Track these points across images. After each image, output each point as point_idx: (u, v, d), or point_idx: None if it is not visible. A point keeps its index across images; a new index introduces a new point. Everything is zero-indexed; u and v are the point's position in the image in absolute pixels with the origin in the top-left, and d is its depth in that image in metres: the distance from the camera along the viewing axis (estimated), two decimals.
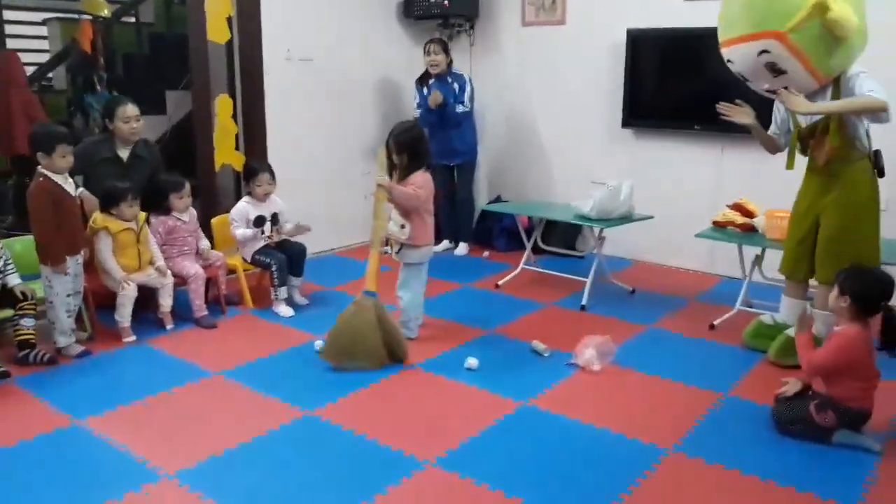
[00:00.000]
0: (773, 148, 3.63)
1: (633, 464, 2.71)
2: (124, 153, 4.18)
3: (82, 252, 3.72)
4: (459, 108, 5.52)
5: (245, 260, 4.46)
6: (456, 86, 5.52)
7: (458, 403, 3.22)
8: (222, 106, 4.96)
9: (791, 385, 2.99)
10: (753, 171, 4.84)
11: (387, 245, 3.91)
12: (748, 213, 4.21)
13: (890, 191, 4.22)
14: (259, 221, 4.40)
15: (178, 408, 3.17)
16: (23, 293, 3.52)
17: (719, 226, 4.28)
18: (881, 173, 3.33)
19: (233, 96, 5.12)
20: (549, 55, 5.79)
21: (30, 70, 6.20)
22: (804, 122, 3.42)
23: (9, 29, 6.48)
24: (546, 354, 3.73)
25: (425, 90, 5.58)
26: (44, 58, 6.68)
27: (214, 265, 4.35)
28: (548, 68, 5.81)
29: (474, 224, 6.05)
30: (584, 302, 4.49)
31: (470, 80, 5.62)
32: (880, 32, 3.39)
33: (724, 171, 5.12)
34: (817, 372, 2.87)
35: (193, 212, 4.34)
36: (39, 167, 3.50)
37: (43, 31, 6.84)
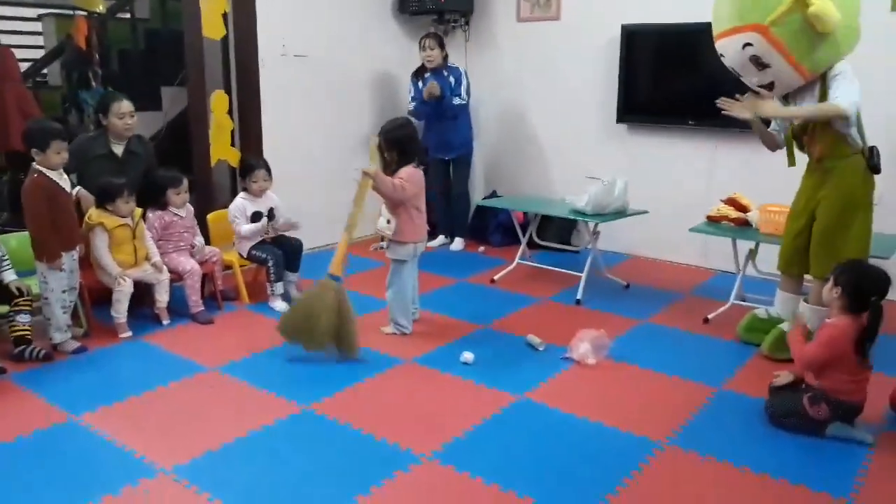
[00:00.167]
0: (773, 144, 3.64)
1: (627, 457, 2.73)
2: (118, 149, 4.17)
3: (78, 248, 3.72)
4: (457, 101, 5.53)
5: (241, 255, 4.46)
6: (452, 79, 5.53)
7: (454, 397, 3.24)
8: (218, 102, 4.96)
9: (783, 377, 3.02)
10: (747, 166, 4.86)
11: (382, 241, 3.92)
12: (742, 208, 4.23)
13: (883, 186, 4.24)
14: (256, 217, 4.41)
15: (174, 403, 3.18)
16: (18, 289, 3.52)
17: (713, 220, 4.30)
18: (875, 170, 3.34)
19: (228, 92, 5.12)
20: (544, 51, 5.80)
21: (24, 66, 6.17)
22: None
23: (3, 24, 6.46)
24: (541, 348, 3.74)
25: (420, 84, 5.59)
26: (38, 53, 6.66)
27: (210, 261, 4.36)
28: (543, 64, 5.82)
29: (470, 219, 6.06)
30: (579, 296, 4.50)
31: (466, 73, 5.63)
32: (868, 31, 3.39)
33: (717, 165, 5.14)
34: (809, 365, 2.89)
35: (190, 208, 4.34)
36: (34, 163, 3.50)
37: (37, 26, 6.81)
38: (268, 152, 5.10)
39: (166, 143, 5.55)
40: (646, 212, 4.73)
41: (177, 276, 4.15)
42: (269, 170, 4.47)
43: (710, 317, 4.17)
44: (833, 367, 2.82)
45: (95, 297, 4.01)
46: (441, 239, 5.91)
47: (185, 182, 4.25)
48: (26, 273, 3.70)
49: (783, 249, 3.65)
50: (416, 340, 3.87)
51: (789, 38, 3.15)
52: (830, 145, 3.31)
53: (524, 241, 5.07)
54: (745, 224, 4.16)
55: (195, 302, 4.16)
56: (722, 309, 4.20)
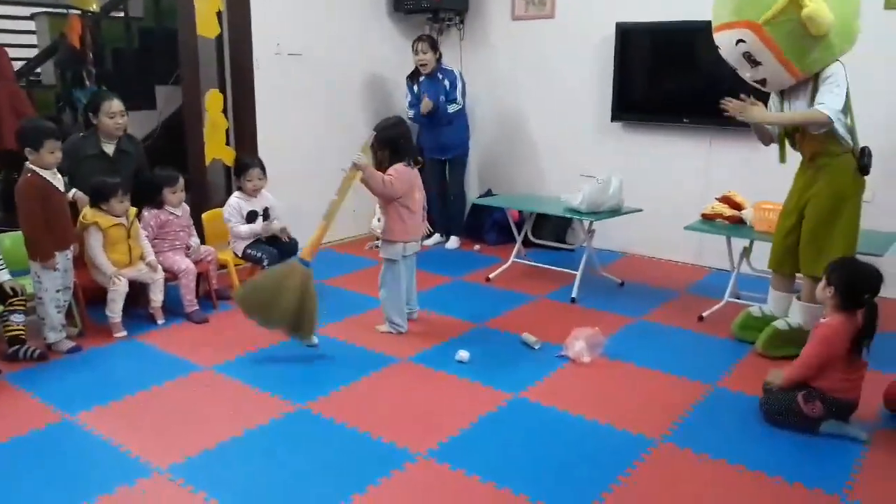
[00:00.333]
0: (767, 139, 3.65)
1: (622, 455, 2.74)
2: (109, 148, 4.16)
3: (72, 247, 3.71)
4: (452, 108, 5.53)
5: (236, 254, 4.46)
6: (447, 83, 5.53)
7: (450, 396, 3.24)
8: (212, 101, 4.94)
9: (775, 375, 3.02)
10: (742, 164, 4.88)
11: (376, 240, 3.92)
12: (736, 206, 4.24)
13: (876, 184, 4.27)
14: (251, 217, 4.41)
15: (169, 402, 3.17)
16: (12, 289, 3.51)
17: (708, 218, 4.31)
18: (864, 170, 3.36)
19: (223, 91, 5.11)
20: (538, 49, 5.80)
21: (18, 65, 6.14)
22: None
23: None
24: (536, 347, 3.75)
25: (415, 88, 5.59)
26: (32, 52, 6.63)
27: (205, 260, 4.35)
28: (537, 62, 5.82)
29: (465, 217, 6.07)
30: (574, 294, 4.51)
31: (461, 76, 5.63)
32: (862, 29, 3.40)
33: (712, 164, 5.15)
34: (807, 367, 2.87)
35: (186, 207, 4.33)
36: (28, 163, 3.49)
37: (31, 25, 6.79)
38: (262, 151, 5.09)
39: (161, 142, 5.53)
40: (640, 210, 4.73)
41: (171, 276, 4.14)
42: (263, 169, 4.47)
43: (704, 315, 4.18)
44: (828, 365, 2.83)
45: (90, 296, 4.00)
46: (436, 237, 5.92)
47: (181, 181, 4.24)
48: (20, 273, 3.69)
49: (774, 248, 3.66)
50: (412, 339, 3.87)
51: (782, 37, 3.16)
52: (821, 144, 3.34)
53: (519, 239, 5.08)
54: (740, 222, 4.18)
55: (190, 301, 4.15)
56: (717, 307, 4.21)
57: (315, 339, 3.66)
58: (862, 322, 2.79)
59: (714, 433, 2.91)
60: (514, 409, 3.11)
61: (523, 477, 2.58)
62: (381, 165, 3.77)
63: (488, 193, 6.12)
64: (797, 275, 3.63)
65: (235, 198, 4.43)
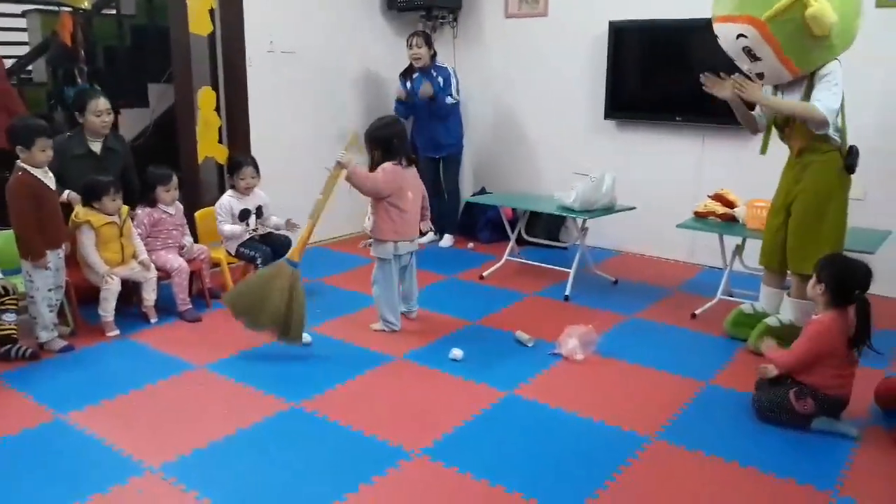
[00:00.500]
0: (753, 127, 3.67)
1: (616, 451, 2.75)
2: (97, 147, 4.14)
3: (63, 246, 3.70)
4: (449, 100, 5.53)
5: (229, 253, 4.45)
6: (441, 79, 5.52)
7: (444, 394, 3.24)
8: (205, 98, 4.93)
9: (770, 368, 3.04)
10: (734, 162, 4.90)
11: (370, 239, 3.92)
12: (729, 204, 4.25)
13: (869, 182, 4.30)
14: (244, 215, 4.40)
15: (162, 401, 3.16)
16: (3, 288, 3.50)
17: (700, 216, 4.32)
18: (850, 169, 3.37)
19: (216, 89, 5.09)
20: (532, 47, 5.80)
21: (9, 62, 6.11)
22: None
23: None
24: (530, 344, 3.75)
25: (409, 84, 5.59)
26: (23, 50, 6.59)
27: (198, 258, 4.33)
28: (531, 60, 5.83)
29: (459, 216, 6.07)
30: (567, 292, 4.52)
31: (454, 72, 5.63)
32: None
33: (705, 162, 5.17)
34: (798, 362, 2.89)
35: (180, 206, 4.31)
36: (18, 161, 3.47)
37: (22, 23, 6.75)
38: (255, 149, 5.07)
39: (153, 140, 5.51)
40: (633, 208, 4.74)
41: (164, 274, 4.13)
42: (256, 167, 4.46)
43: (697, 312, 4.20)
44: (820, 362, 2.84)
45: (82, 295, 3.98)
46: (430, 235, 5.91)
47: (175, 179, 4.22)
48: (12, 272, 3.67)
49: (764, 244, 3.68)
50: (406, 337, 3.87)
51: (784, 35, 3.16)
52: (810, 140, 3.35)
53: (513, 237, 5.08)
54: (732, 220, 4.19)
55: (183, 300, 4.14)
56: (709, 304, 4.23)
57: (308, 338, 3.66)
58: (856, 321, 2.80)
59: (707, 430, 2.92)
60: (507, 407, 3.12)
61: (517, 474, 2.58)
62: (374, 165, 3.77)
63: (482, 191, 6.12)
64: (787, 271, 3.64)
65: (228, 196, 4.42)
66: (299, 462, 2.68)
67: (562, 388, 3.29)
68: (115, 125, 4.45)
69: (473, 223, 6.03)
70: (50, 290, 3.62)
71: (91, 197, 3.84)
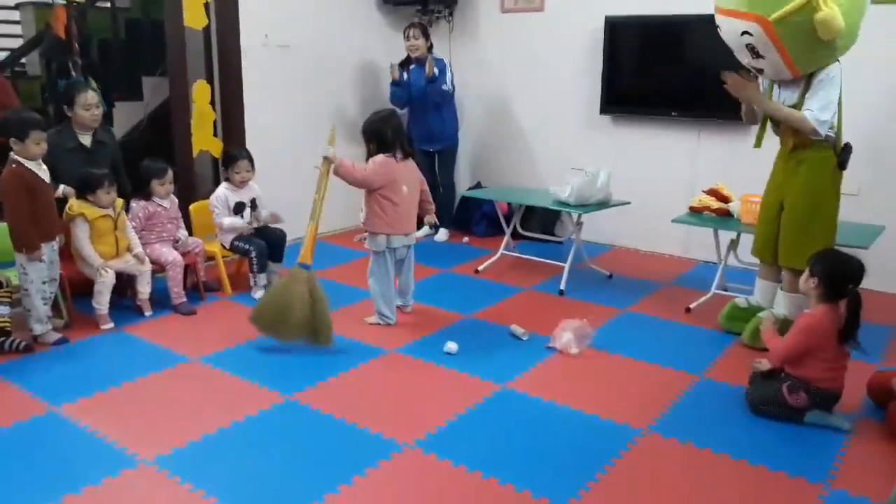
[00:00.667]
0: (752, 119, 3.66)
1: (609, 444, 2.76)
2: (87, 140, 4.12)
3: (57, 239, 3.69)
4: (445, 87, 5.54)
5: (224, 246, 4.44)
6: (436, 70, 5.52)
7: (438, 387, 3.25)
8: (200, 92, 4.92)
9: (764, 363, 3.05)
10: (729, 157, 4.90)
11: (365, 232, 3.93)
12: (723, 199, 4.26)
13: (864, 176, 4.31)
14: (239, 208, 4.39)
15: (156, 394, 3.16)
16: None
17: (695, 211, 4.33)
18: (842, 166, 3.38)
19: (210, 82, 5.08)
20: (527, 42, 5.80)
21: (2, 55, 6.09)
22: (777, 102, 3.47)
23: None
24: (525, 338, 3.76)
25: (405, 75, 5.59)
26: (17, 43, 6.57)
27: (193, 252, 4.33)
28: (527, 55, 5.82)
29: (454, 210, 6.07)
30: (562, 286, 4.52)
31: (450, 65, 5.63)
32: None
33: (700, 157, 5.17)
34: (787, 354, 2.91)
35: (175, 199, 4.31)
36: (12, 153, 3.46)
37: (16, 15, 6.72)
38: (250, 142, 5.06)
39: (148, 134, 5.50)
40: (629, 203, 4.75)
41: (159, 267, 4.12)
42: (251, 160, 4.45)
43: (691, 306, 4.21)
44: (811, 355, 2.86)
45: (76, 288, 3.97)
46: (425, 230, 5.90)
47: (170, 172, 4.21)
48: (6, 265, 3.66)
49: (757, 236, 3.70)
50: (400, 330, 3.87)
51: (790, 37, 3.13)
52: (804, 137, 3.35)
53: (508, 231, 5.09)
54: (727, 215, 4.20)
55: (177, 293, 4.14)
56: (703, 298, 4.24)
57: (333, 340, 3.62)
58: (846, 314, 2.81)
59: (699, 423, 2.93)
60: (501, 400, 3.12)
61: (510, 467, 2.59)
62: (370, 157, 3.77)
63: (477, 186, 6.12)
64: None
65: (223, 188, 4.41)
66: (293, 454, 2.68)
67: (556, 382, 3.30)
68: (108, 118, 4.44)
69: (469, 217, 6.03)
70: (44, 282, 3.60)
71: (85, 190, 3.84)
